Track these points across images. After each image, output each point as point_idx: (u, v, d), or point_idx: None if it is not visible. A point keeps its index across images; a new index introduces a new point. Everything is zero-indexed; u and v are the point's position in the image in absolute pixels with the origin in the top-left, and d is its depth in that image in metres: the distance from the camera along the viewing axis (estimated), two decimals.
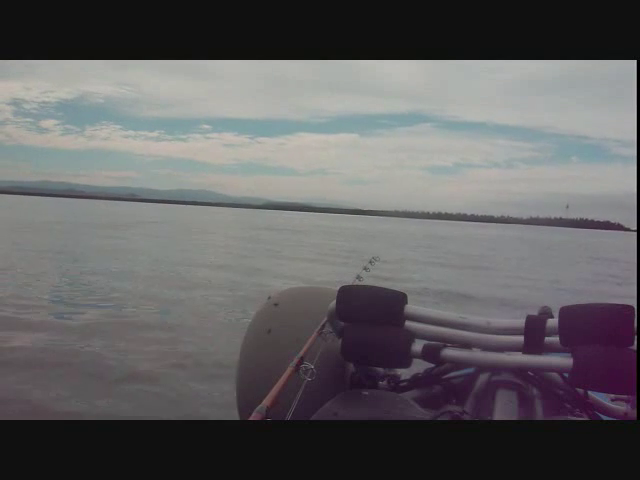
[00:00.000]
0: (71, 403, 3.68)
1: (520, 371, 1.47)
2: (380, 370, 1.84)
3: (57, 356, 4.73)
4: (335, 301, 1.53)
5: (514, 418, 1.28)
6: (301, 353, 1.41)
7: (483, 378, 1.56)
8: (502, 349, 1.43)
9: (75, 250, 14.16)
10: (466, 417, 1.26)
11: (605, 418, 1.52)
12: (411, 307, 1.51)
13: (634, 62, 1.32)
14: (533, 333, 1.39)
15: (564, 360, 1.33)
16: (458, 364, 1.66)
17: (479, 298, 9.48)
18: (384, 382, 1.83)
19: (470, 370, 1.68)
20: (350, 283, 1.87)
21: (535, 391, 1.50)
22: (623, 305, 1.29)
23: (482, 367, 1.56)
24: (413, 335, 1.48)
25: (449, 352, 1.47)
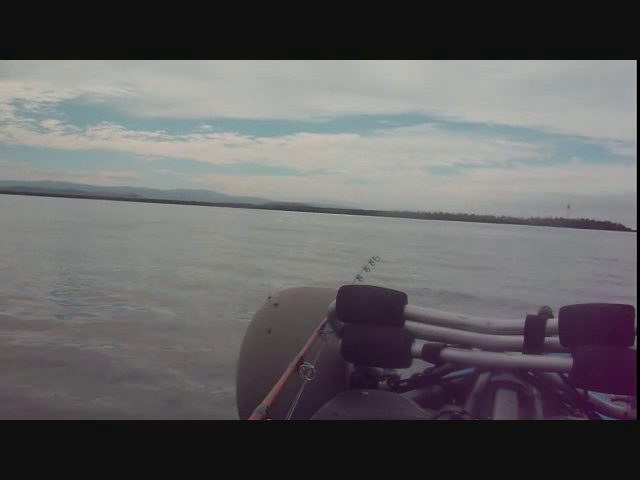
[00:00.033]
0: (70, 402, 3.68)
1: (520, 371, 1.47)
2: (380, 370, 1.84)
3: (56, 355, 4.73)
4: (335, 301, 1.53)
5: (514, 418, 1.28)
6: (301, 353, 1.41)
7: (483, 378, 1.56)
8: (502, 349, 1.43)
9: (76, 250, 14.16)
10: (466, 417, 1.26)
11: (605, 418, 1.52)
12: (411, 307, 1.51)
13: (634, 62, 1.32)
14: (533, 333, 1.39)
15: (564, 360, 1.33)
16: (458, 364, 1.66)
17: (480, 299, 9.48)
18: (384, 382, 1.83)
19: (470, 370, 1.68)
20: (350, 283, 1.87)
21: (535, 391, 1.50)
22: (623, 305, 1.29)
23: (482, 367, 1.56)
24: (413, 335, 1.48)
25: (449, 352, 1.47)
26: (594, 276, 15.91)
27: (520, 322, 1.41)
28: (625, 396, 1.56)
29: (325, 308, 1.60)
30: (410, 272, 12.95)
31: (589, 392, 1.51)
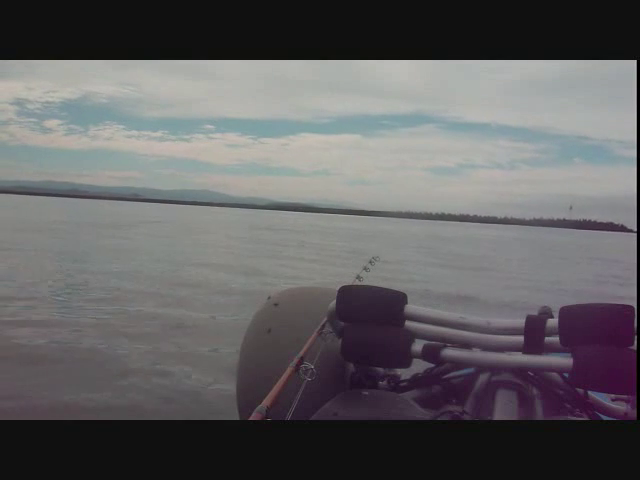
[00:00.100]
0: (70, 402, 3.68)
1: (520, 371, 1.47)
2: (380, 370, 1.84)
3: (56, 354, 4.74)
4: (335, 301, 1.53)
5: (514, 418, 1.28)
6: (301, 353, 1.41)
7: (483, 378, 1.56)
8: (502, 349, 1.43)
9: (77, 250, 14.17)
10: (466, 417, 1.26)
11: (605, 418, 1.52)
12: (411, 307, 1.51)
13: (634, 62, 1.32)
14: (533, 333, 1.39)
15: (564, 360, 1.33)
16: (458, 364, 1.66)
17: (480, 300, 9.47)
18: (384, 382, 1.83)
19: (470, 370, 1.68)
20: (350, 283, 1.87)
21: (535, 391, 1.50)
22: (623, 305, 1.29)
23: (482, 367, 1.56)
24: (413, 335, 1.48)
25: (449, 352, 1.47)
26: (595, 276, 15.90)
27: (520, 322, 1.41)
28: (625, 396, 1.56)
29: (325, 308, 1.60)
30: (411, 273, 12.95)
31: (589, 392, 1.51)
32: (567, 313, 1.36)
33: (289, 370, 1.29)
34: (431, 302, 8.45)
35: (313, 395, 1.29)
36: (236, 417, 1.84)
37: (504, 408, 1.33)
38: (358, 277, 2.41)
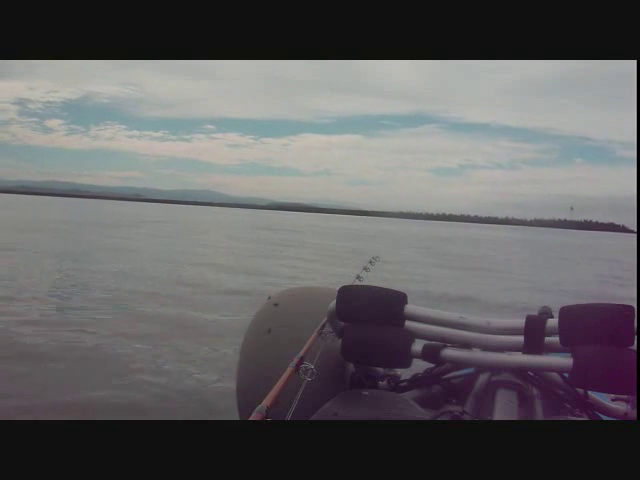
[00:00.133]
0: (69, 401, 3.68)
1: (520, 371, 1.47)
2: (380, 370, 1.84)
3: (55, 353, 4.73)
4: (335, 301, 1.53)
5: (514, 418, 1.28)
6: (301, 353, 1.41)
7: (483, 378, 1.56)
8: (502, 349, 1.43)
9: (79, 249, 14.18)
10: (466, 417, 1.26)
11: (605, 418, 1.52)
12: (411, 307, 1.51)
13: (634, 62, 1.32)
14: (533, 333, 1.39)
15: (564, 360, 1.33)
16: (458, 364, 1.66)
17: (480, 300, 9.47)
18: (384, 382, 1.83)
19: (470, 370, 1.68)
20: (350, 283, 1.87)
21: (535, 391, 1.50)
22: (623, 305, 1.29)
23: (482, 367, 1.56)
24: (413, 335, 1.48)
25: (449, 352, 1.47)
26: (596, 277, 15.90)
27: (520, 322, 1.41)
28: (625, 396, 1.56)
29: (325, 308, 1.60)
30: (411, 273, 12.94)
31: (589, 392, 1.51)
32: (567, 313, 1.36)
33: (289, 370, 1.29)
34: (431, 302, 8.46)
35: (313, 395, 1.29)
36: (236, 417, 1.84)
37: (504, 408, 1.33)
38: (358, 277, 2.42)
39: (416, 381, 1.77)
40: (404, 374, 1.82)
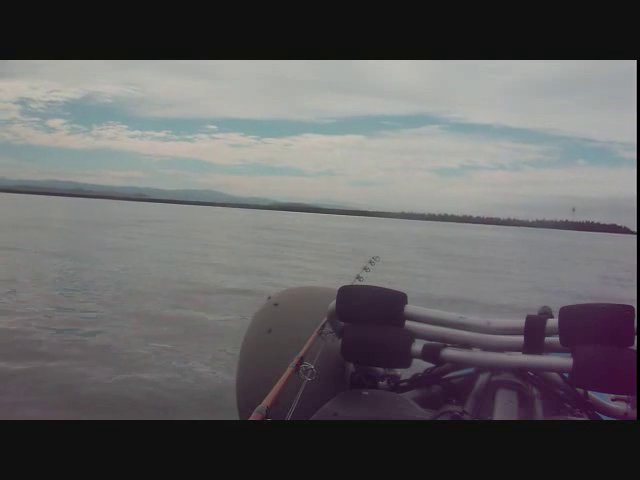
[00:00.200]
0: (68, 401, 3.69)
1: (520, 371, 1.47)
2: (380, 370, 1.84)
3: (54, 352, 4.73)
4: (335, 301, 1.53)
5: (514, 418, 1.28)
6: (301, 353, 1.41)
7: (483, 378, 1.56)
8: (502, 349, 1.43)
9: (81, 249, 14.19)
10: (466, 417, 1.26)
11: (605, 418, 1.52)
12: (411, 307, 1.51)
13: (634, 62, 1.32)
14: (533, 333, 1.39)
15: (564, 360, 1.33)
16: (458, 364, 1.66)
17: (481, 301, 9.46)
18: (384, 382, 1.83)
19: (470, 370, 1.68)
20: (350, 283, 1.87)
21: (535, 391, 1.50)
22: (623, 305, 1.29)
23: (482, 367, 1.56)
24: (413, 335, 1.48)
25: (449, 352, 1.47)
26: (597, 278, 15.90)
27: (520, 322, 1.41)
28: (625, 396, 1.56)
29: (325, 308, 1.60)
30: (411, 274, 12.94)
31: (589, 392, 1.51)
32: (567, 313, 1.36)
33: (289, 370, 1.29)
34: (431, 302, 8.46)
35: (313, 395, 1.29)
36: (236, 417, 1.84)
37: (504, 408, 1.33)
38: (358, 277, 2.42)
39: (416, 381, 1.77)
40: (404, 374, 1.82)
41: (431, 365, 1.71)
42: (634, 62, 1.32)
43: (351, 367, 1.78)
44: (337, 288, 1.56)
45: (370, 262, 2.73)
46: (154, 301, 7.56)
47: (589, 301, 1.43)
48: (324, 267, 13.39)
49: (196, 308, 7.30)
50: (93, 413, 3.45)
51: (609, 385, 1.30)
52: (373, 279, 2.21)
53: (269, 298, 2.02)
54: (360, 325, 1.50)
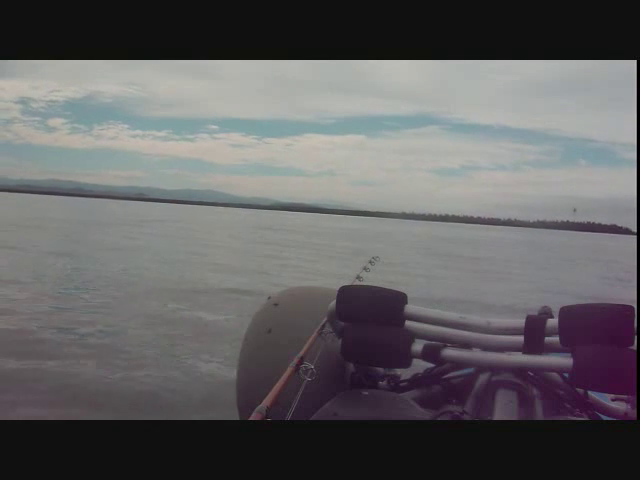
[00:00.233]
0: (67, 400, 3.69)
1: (520, 371, 1.47)
2: (380, 370, 1.84)
3: (53, 350, 4.74)
4: (335, 301, 1.53)
5: (514, 418, 1.28)
6: (301, 353, 1.41)
7: (483, 378, 1.56)
8: (502, 349, 1.43)
9: (81, 249, 14.19)
10: (466, 417, 1.26)
11: (605, 418, 1.52)
12: (411, 307, 1.51)
13: (634, 62, 1.32)
14: (533, 333, 1.39)
15: (564, 360, 1.33)
16: (458, 364, 1.66)
17: (481, 301, 9.46)
18: (384, 382, 1.83)
19: (470, 370, 1.68)
20: (350, 283, 1.87)
21: (535, 391, 1.50)
22: (623, 305, 1.29)
23: (482, 367, 1.56)
24: (413, 335, 1.48)
25: (449, 352, 1.47)
26: (597, 278, 15.90)
27: (520, 322, 1.41)
28: (625, 396, 1.56)
29: (325, 308, 1.60)
30: (412, 275, 12.93)
31: (589, 392, 1.51)
32: (567, 313, 1.36)
33: (289, 370, 1.29)
34: (431, 302, 8.45)
35: (313, 395, 1.29)
36: (236, 417, 1.84)
37: (504, 408, 1.33)
38: (358, 277, 2.42)
39: (416, 381, 1.77)
40: (404, 374, 1.81)
41: (431, 365, 1.71)
42: (634, 62, 1.32)
43: (351, 367, 1.78)
44: (337, 288, 1.56)
45: (370, 262, 2.73)
46: (154, 301, 7.56)
47: (589, 301, 1.43)
48: (324, 267, 13.39)
49: (196, 308, 7.30)
50: (93, 412, 3.45)
51: (609, 385, 1.30)
52: (373, 279, 2.21)
53: (269, 298, 2.02)
54: (360, 325, 1.50)
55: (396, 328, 1.48)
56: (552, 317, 1.47)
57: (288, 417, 1.11)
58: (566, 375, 1.44)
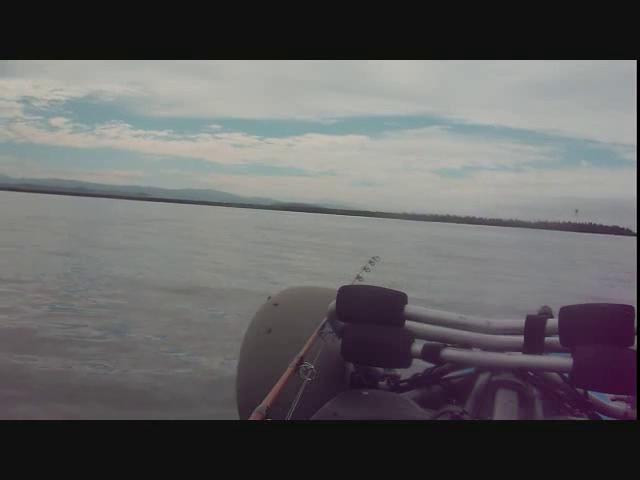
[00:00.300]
0: (67, 399, 3.69)
1: (520, 371, 1.47)
2: (380, 370, 1.84)
3: (52, 349, 4.74)
4: (335, 301, 1.53)
5: (514, 418, 1.28)
6: (301, 353, 1.41)
7: (483, 378, 1.56)
8: (502, 349, 1.43)
9: (82, 248, 14.19)
10: (466, 417, 1.26)
11: (605, 418, 1.52)
12: (411, 307, 1.51)
13: (634, 62, 1.32)
14: (533, 333, 1.39)
15: (564, 360, 1.33)
16: (458, 364, 1.66)
17: (481, 301, 9.45)
18: (384, 382, 1.83)
19: (470, 370, 1.68)
20: (350, 283, 1.87)
21: (535, 391, 1.50)
22: (623, 305, 1.29)
23: (482, 367, 1.56)
24: (413, 335, 1.48)
25: (449, 352, 1.47)
26: (597, 279, 15.89)
27: (520, 322, 1.41)
28: (625, 396, 1.56)
29: (325, 308, 1.60)
30: (412, 275, 12.93)
31: (589, 392, 1.51)
32: (567, 313, 1.36)
33: (289, 370, 1.29)
34: (431, 303, 8.44)
35: (313, 395, 1.29)
36: (236, 417, 1.84)
37: (504, 408, 1.33)
38: (358, 277, 2.42)
39: (416, 381, 1.77)
40: (404, 374, 1.81)
41: (431, 365, 1.71)
42: (634, 62, 1.32)
43: (351, 367, 1.78)
44: (337, 288, 1.56)
45: (370, 262, 2.73)
46: (154, 300, 7.57)
47: (589, 301, 1.43)
48: (324, 267, 13.38)
49: (196, 308, 7.30)
50: (93, 411, 3.46)
51: (609, 385, 1.30)
52: (373, 279, 2.21)
53: (269, 298, 2.02)
54: (360, 325, 1.50)
55: (396, 328, 1.48)
56: (552, 317, 1.47)
57: (288, 417, 1.11)
58: (566, 375, 1.44)
